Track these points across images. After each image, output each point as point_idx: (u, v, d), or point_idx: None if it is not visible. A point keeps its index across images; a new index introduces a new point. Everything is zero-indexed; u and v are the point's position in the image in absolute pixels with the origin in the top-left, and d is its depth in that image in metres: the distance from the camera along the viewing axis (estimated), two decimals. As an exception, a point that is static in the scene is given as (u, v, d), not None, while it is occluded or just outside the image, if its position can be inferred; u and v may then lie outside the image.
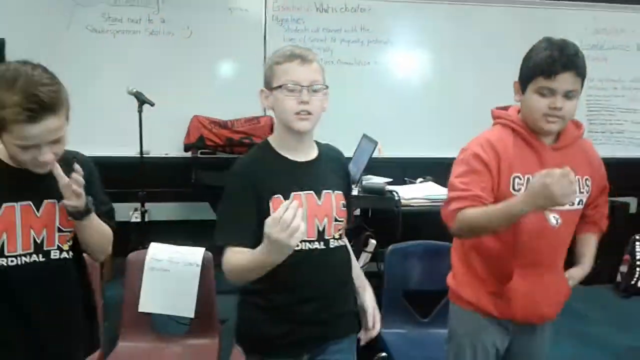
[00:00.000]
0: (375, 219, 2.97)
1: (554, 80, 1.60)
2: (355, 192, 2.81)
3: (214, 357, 2.24)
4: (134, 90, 3.41)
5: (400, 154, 4.15)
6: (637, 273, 4.20)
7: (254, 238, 1.44)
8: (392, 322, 2.46)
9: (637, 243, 4.25)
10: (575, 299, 3.93)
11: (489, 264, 1.76)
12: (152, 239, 2.50)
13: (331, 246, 1.61)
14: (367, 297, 1.76)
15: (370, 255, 2.73)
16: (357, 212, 3.08)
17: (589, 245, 1.87)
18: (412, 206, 2.86)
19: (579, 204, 1.74)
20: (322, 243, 1.59)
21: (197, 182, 4.06)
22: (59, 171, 1.38)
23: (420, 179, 3.25)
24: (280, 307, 1.58)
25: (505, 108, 1.82)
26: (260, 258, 1.36)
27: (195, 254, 2.36)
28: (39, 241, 1.43)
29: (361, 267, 2.66)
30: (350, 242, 2.67)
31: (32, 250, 1.42)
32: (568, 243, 1.80)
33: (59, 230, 1.46)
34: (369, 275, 2.67)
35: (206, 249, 2.40)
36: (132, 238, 3.78)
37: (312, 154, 1.65)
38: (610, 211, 4.46)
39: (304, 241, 1.53)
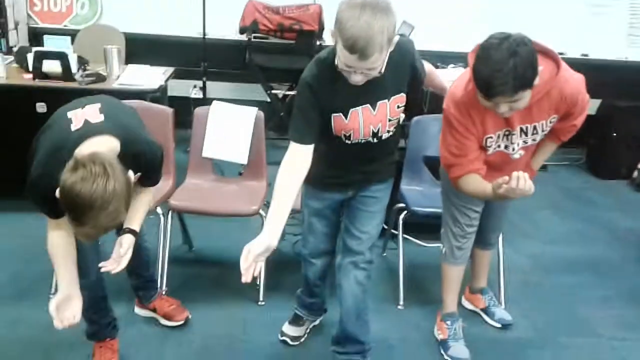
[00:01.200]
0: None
1: (493, 100, 1.78)
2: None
3: (262, 195, 2.74)
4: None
5: (437, 48, 4.38)
6: (653, 170, 4.49)
7: (315, 139, 1.82)
8: (411, 180, 2.92)
9: (658, 142, 4.50)
10: (591, 189, 4.38)
11: None
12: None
13: (383, 138, 1.93)
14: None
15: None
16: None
17: (544, 152, 2.22)
18: (440, 87, 3.21)
19: (541, 137, 2.07)
20: (375, 139, 1.91)
21: (251, 63, 4.47)
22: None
23: (452, 65, 3.57)
24: (336, 161, 1.99)
25: None
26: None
27: (249, 112, 2.82)
28: None
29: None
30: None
31: None
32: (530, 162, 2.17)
33: None
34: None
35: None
36: (193, 111, 4.28)
37: None
38: (637, 112, 4.68)
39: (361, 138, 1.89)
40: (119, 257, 1.85)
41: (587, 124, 5.48)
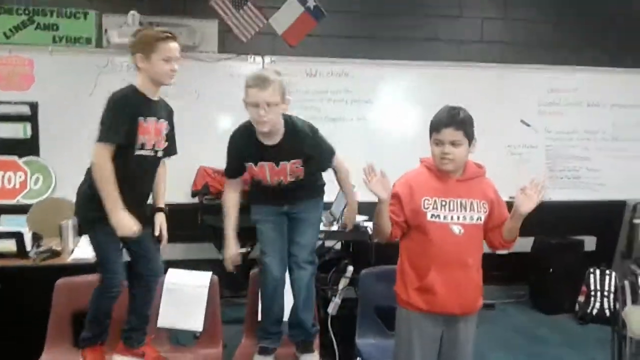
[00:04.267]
0: (354, 250, 3.53)
1: (440, 133, 2.26)
2: (335, 228, 3.40)
3: (218, 361, 2.75)
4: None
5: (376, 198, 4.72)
6: (592, 302, 4.72)
7: (238, 176, 2.72)
8: (365, 333, 3.00)
9: (592, 275, 4.81)
10: (539, 325, 4.52)
11: (413, 262, 2.33)
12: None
13: (289, 186, 2.67)
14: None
15: (348, 279, 3.26)
16: (338, 245, 3.63)
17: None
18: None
19: (477, 220, 2.31)
20: (281, 185, 2.67)
21: (203, 223, 4.63)
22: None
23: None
24: (268, 194, 2.73)
25: None
26: None
27: (204, 277, 2.92)
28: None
29: (340, 290, 3.23)
30: (331, 269, 3.31)
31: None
32: (473, 249, 2.33)
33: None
34: (347, 300, 3.20)
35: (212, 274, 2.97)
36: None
37: (277, 139, 2.57)
38: (568, 248, 5.02)
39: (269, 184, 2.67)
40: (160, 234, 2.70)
41: (524, 260, 5.83)
